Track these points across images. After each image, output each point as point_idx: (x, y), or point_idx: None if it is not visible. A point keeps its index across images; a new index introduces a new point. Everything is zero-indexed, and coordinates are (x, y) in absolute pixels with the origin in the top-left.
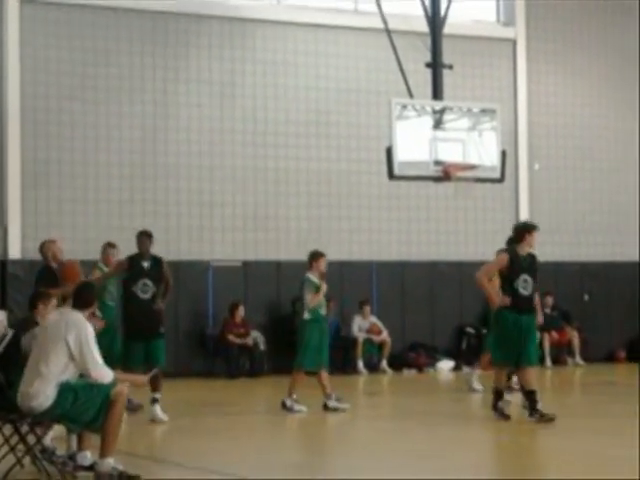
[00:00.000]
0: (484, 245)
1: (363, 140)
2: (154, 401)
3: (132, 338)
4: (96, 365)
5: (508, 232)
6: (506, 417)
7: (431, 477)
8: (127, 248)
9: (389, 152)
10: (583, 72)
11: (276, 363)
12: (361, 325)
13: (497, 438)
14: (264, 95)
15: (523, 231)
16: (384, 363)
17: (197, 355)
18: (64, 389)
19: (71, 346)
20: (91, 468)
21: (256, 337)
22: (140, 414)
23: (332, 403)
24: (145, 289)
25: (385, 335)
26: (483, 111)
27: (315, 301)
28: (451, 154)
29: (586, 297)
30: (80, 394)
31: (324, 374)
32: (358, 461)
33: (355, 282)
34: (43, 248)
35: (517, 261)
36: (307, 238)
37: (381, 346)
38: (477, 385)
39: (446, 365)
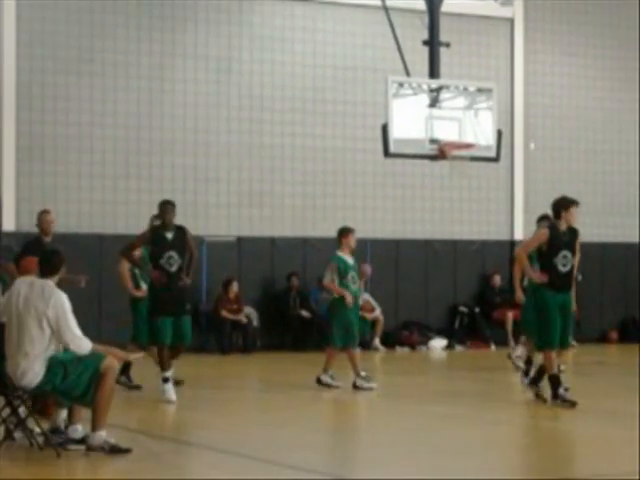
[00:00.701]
0: (479, 224)
1: (359, 117)
2: (165, 380)
3: (160, 314)
4: (74, 336)
5: (503, 211)
6: (572, 403)
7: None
8: (121, 223)
9: (385, 130)
10: (580, 52)
11: (269, 339)
12: None
13: (495, 416)
14: (260, 71)
15: (558, 207)
16: (377, 341)
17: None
18: (53, 364)
19: (51, 321)
20: (82, 441)
21: (249, 313)
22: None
23: (359, 381)
24: (171, 262)
25: (378, 313)
26: (479, 90)
27: (332, 286)
28: (447, 133)
29: (579, 277)
30: (70, 369)
31: (352, 352)
32: (343, 436)
33: None
34: (38, 219)
35: (557, 237)
36: (301, 215)
37: (374, 324)
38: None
39: (439, 343)
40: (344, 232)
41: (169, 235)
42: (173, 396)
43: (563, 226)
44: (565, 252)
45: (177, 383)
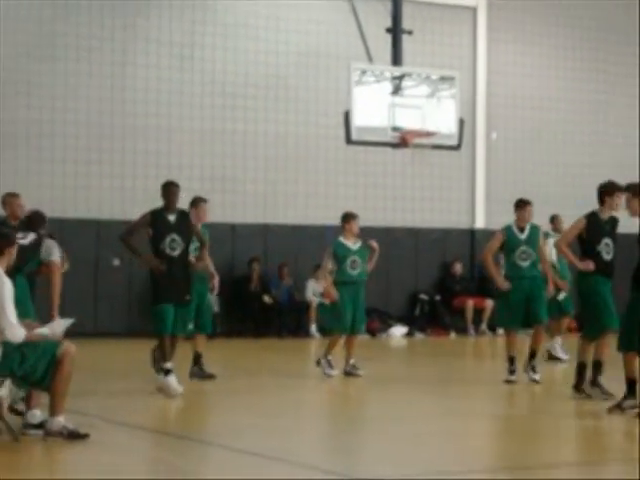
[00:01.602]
0: (440, 212)
1: (322, 104)
2: (167, 372)
3: (162, 301)
4: (9, 324)
5: (465, 200)
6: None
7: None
8: (82, 208)
9: (347, 117)
10: (543, 42)
11: (229, 325)
12: (315, 289)
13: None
14: (224, 58)
15: (603, 193)
16: (313, 327)
17: (151, 316)
18: (9, 350)
19: None
20: (40, 426)
21: (210, 299)
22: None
23: (347, 368)
24: (173, 245)
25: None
26: (442, 78)
27: (324, 274)
28: (409, 120)
29: None
30: (27, 354)
31: (349, 338)
32: (290, 422)
33: (310, 246)
34: (3, 201)
35: (597, 224)
36: (263, 201)
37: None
38: (562, 353)
39: (399, 331)
40: (345, 218)
41: (171, 217)
42: (179, 387)
43: (605, 213)
44: (607, 240)
45: (210, 377)
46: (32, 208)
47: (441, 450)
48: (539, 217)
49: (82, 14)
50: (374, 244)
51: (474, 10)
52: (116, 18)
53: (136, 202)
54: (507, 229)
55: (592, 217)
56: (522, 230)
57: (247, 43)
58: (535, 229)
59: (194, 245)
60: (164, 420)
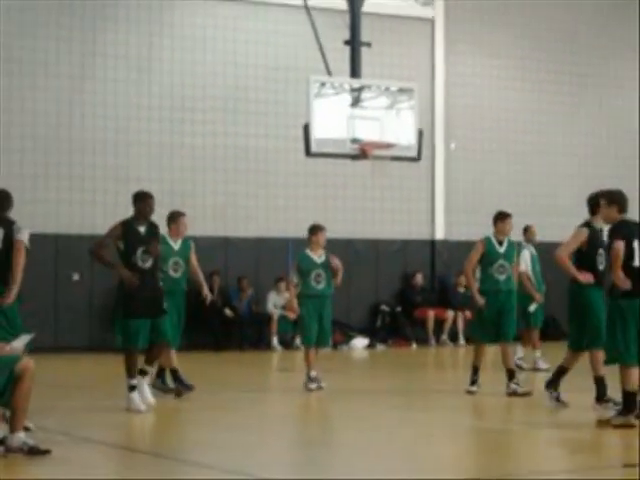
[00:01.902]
0: (400, 224)
1: (281, 117)
2: (132, 388)
3: (134, 315)
4: None
5: (424, 210)
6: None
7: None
8: (39, 222)
9: (306, 129)
10: (501, 53)
11: (189, 339)
12: (276, 301)
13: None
14: (181, 70)
15: (594, 203)
16: (298, 340)
17: (116, 329)
18: None
19: None
20: (1, 442)
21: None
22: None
23: (305, 380)
24: (144, 257)
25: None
26: (401, 90)
27: (290, 287)
28: (368, 132)
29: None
30: None
31: (311, 352)
32: (249, 436)
33: (271, 259)
34: None
35: (595, 236)
36: (223, 214)
37: (296, 323)
38: (543, 364)
39: (360, 343)
40: (312, 230)
41: (142, 229)
42: (142, 405)
43: (599, 223)
44: (601, 251)
45: (188, 388)
46: None
47: (405, 460)
48: None
49: (39, 28)
50: (335, 263)
51: (432, 22)
52: (73, 32)
53: (95, 216)
54: (487, 241)
55: (591, 228)
56: (501, 243)
57: (205, 55)
58: (512, 244)
59: (173, 259)
60: (126, 436)
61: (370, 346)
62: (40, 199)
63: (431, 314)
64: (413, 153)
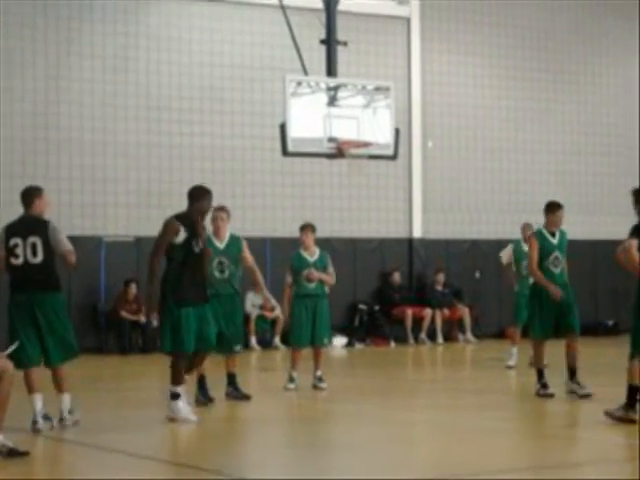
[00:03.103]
0: (377, 222)
1: (257, 116)
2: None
3: (186, 303)
4: None
5: (402, 209)
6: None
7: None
8: None
9: (283, 129)
10: (477, 51)
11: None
12: (254, 301)
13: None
14: (157, 71)
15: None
16: (277, 339)
17: (89, 331)
18: None
19: None
20: None
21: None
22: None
23: (313, 380)
24: (198, 243)
25: (278, 312)
26: (377, 89)
27: (285, 287)
28: (345, 131)
29: (477, 275)
30: None
31: (314, 351)
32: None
33: None
34: None
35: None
36: None
37: (274, 322)
38: (512, 361)
39: (339, 342)
40: (300, 229)
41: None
42: (192, 415)
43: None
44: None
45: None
46: None
47: (387, 457)
48: (476, 225)
49: (14, 29)
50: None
51: (408, 21)
52: (49, 33)
53: (73, 217)
54: (539, 234)
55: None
56: (553, 235)
57: (181, 56)
58: (564, 235)
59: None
60: (105, 435)
61: (349, 345)
62: (16, 201)
63: (409, 312)
64: (390, 152)
